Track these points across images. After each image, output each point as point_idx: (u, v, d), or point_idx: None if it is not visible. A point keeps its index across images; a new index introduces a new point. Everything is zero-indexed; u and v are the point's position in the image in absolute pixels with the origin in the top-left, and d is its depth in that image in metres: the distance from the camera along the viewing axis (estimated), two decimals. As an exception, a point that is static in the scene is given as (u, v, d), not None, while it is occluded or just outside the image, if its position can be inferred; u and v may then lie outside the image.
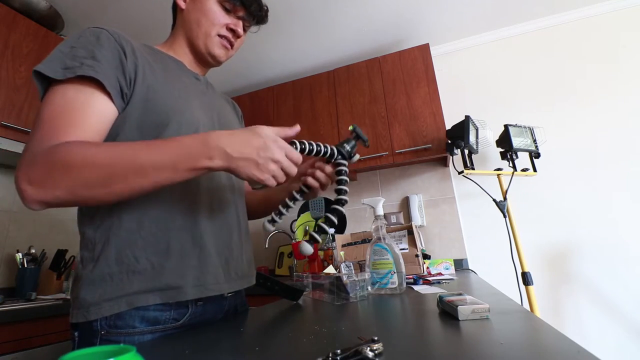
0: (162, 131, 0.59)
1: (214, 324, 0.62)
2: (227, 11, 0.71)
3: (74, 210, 0.64)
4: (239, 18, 0.73)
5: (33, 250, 1.66)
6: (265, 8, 0.77)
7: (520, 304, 1.47)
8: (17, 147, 1.45)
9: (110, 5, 1.77)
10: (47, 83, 0.52)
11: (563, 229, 1.80)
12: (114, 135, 0.57)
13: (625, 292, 1.65)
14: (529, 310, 1.37)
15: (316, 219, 2.02)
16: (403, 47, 2.19)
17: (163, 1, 1.75)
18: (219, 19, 0.70)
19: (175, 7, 0.75)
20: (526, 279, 1.47)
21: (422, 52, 1.99)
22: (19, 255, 1.60)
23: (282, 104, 2.29)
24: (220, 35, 0.71)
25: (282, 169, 0.52)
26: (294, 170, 0.53)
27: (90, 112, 0.52)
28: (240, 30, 0.73)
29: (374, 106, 2.02)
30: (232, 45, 0.74)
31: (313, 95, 2.21)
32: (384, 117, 1.98)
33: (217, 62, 0.75)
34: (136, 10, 1.82)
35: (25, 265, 1.60)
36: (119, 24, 1.90)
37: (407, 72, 2.00)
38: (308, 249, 0.60)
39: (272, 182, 0.51)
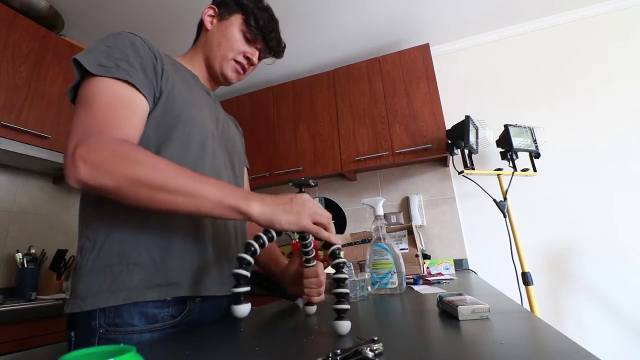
0: (173, 133, 0.62)
1: (213, 324, 0.62)
2: (248, 41, 0.76)
3: (74, 211, 0.64)
4: (256, 49, 0.78)
5: (33, 250, 1.67)
6: (284, 45, 0.83)
7: (520, 304, 1.47)
8: (17, 147, 1.45)
9: (110, 5, 1.77)
10: (84, 72, 0.55)
11: (563, 229, 1.80)
12: None
13: (625, 292, 1.65)
14: (529, 310, 1.37)
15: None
16: (403, 47, 2.19)
17: (163, 2, 1.75)
18: (239, 46, 0.75)
19: (200, 25, 0.80)
20: (526, 279, 1.47)
21: (422, 52, 1.99)
22: (19, 255, 1.60)
23: (282, 104, 2.29)
24: (235, 60, 0.76)
25: (319, 215, 0.52)
26: (326, 219, 0.52)
27: (136, 110, 0.56)
28: (255, 59, 0.78)
29: (374, 106, 2.02)
30: (244, 71, 0.79)
31: (313, 95, 2.21)
32: (384, 117, 1.98)
33: (227, 83, 0.80)
34: (136, 11, 1.82)
35: (25, 265, 1.60)
36: (119, 24, 1.90)
37: (407, 72, 2.00)
38: (243, 311, 0.48)
39: (313, 227, 0.50)
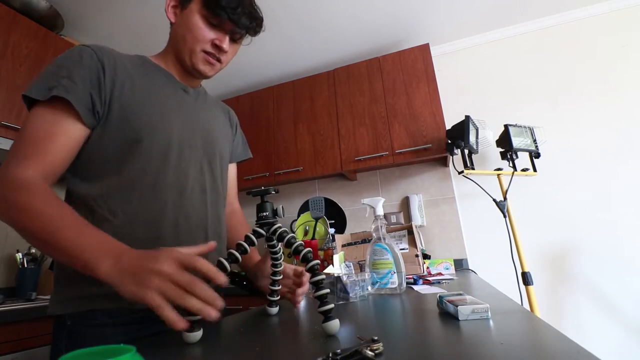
0: (133, 148, 0.62)
1: (212, 323, 0.62)
2: (213, 26, 0.68)
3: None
4: (226, 32, 0.69)
5: (33, 250, 1.67)
6: (259, 18, 0.72)
7: (520, 304, 1.47)
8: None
9: (110, 5, 1.76)
10: (33, 100, 0.57)
11: (563, 229, 1.80)
12: (93, 151, 0.61)
13: (625, 291, 1.65)
14: (529, 310, 1.37)
15: (316, 219, 2.01)
16: (403, 47, 2.19)
17: (162, 2, 1.75)
18: (204, 35, 0.68)
19: None
20: (526, 279, 1.47)
21: (422, 52, 1.99)
22: (19, 255, 1.60)
23: (282, 104, 2.29)
24: (205, 51, 0.69)
25: (176, 283, 0.42)
26: (177, 293, 0.42)
27: (60, 136, 0.56)
28: (225, 46, 0.69)
29: (374, 106, 2.02)
30: (219, 60, 0.71)
31: (313, 95, 2.21)
32: (384, 117, 1.98)
33: (204, 77, 0.74)
34: (136, 11, 1.81)
35: (25, 265, 1.60)
36: (119, 25, 1.90)
37: (407, 72, 2.00)
38: (194, 337, 0.47)
39: (155, 302, 0.41)
